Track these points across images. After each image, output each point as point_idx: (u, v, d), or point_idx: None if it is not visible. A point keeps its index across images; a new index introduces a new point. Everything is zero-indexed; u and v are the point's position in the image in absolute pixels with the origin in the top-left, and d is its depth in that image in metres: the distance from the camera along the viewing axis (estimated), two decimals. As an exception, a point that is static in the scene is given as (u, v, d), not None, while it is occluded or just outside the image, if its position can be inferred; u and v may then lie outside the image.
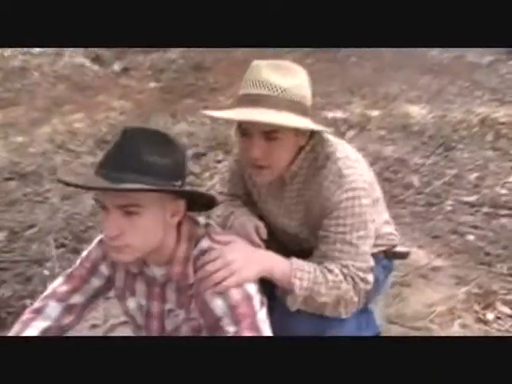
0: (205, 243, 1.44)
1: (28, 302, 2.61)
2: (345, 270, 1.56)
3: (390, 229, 1.85)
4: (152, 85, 6.32)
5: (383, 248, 1.81)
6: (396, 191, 3.43)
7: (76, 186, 1.29)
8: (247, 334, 1.32)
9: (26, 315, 1.56)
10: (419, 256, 2.79)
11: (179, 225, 1.43)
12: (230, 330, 1.33)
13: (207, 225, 1.50)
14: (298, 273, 1.52)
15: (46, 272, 2.79)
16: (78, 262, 1.65)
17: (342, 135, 4.36)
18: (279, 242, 1.83)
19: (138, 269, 1.51)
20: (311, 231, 1.67)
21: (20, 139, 4.75)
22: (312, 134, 1.60)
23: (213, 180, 3.73)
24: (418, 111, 4.67)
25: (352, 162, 1.58)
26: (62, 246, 3.08)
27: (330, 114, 4.64)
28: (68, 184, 1.28)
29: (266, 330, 1.37)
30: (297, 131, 1.52)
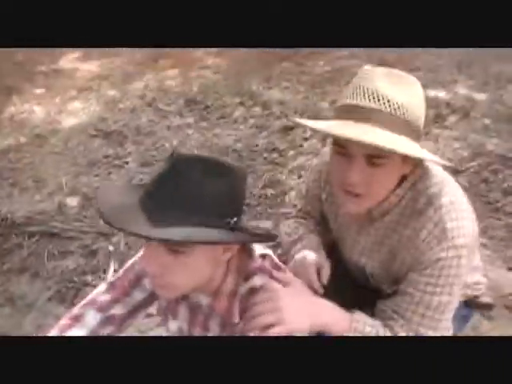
0: (257, 280, 1.27)
1: (89, 278, 2.60)
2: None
3: (477, 277, 1.57)
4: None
5: (466, 298, 1.55)
6: (493, 196, 3.06)
7: (111, 225, 1.12)
8: None
9: (64, 321, 1.48)
10: (507, 280, 2.47)
11: (232, 256, 1.25)
12: None
13: (264, 256, 1.32)
14: (357, 333, 1.33)
15: (111, 247, 2.76)
16: (122, 271, 1.56)
17: (442, 119, 3.98)
18: (347, 276, 1.64)
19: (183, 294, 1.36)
20: (390, 277, 1.45)
21: (112, 93, 4.74)
22: (417, 163, 1.34)
23: (297, 160, 3.51)
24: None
25: (458, 212, 1.31)
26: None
27: (433, 93, 4.23)
28: (103, 218, 1.15)
29: None
30: (404, 159, 1.25)
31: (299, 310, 1.27)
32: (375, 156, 1.23)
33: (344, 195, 1.34)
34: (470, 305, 1.61)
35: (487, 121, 3.93)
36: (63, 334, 1.44)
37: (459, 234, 1.29)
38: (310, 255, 1.54)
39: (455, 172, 3.24)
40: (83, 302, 1.53)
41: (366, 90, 1.23)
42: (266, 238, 1.34)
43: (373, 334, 1.33)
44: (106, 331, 1.49)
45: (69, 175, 3.46)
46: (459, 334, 1.66)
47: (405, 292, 1.35)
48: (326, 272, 1.50)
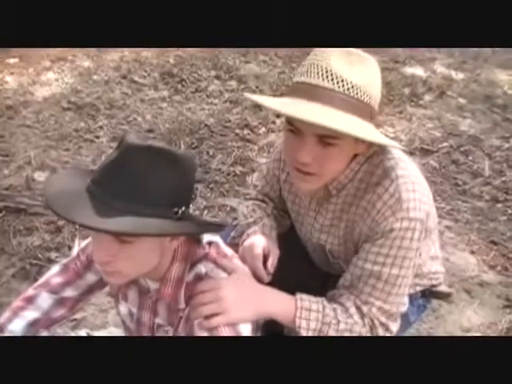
0: (203, 267, 1.30)
1: (54, 255, 2.60)
2: (365, 309, 1.34)
3: (436, 266, 1.59)
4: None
5: (423, 288, 1.57)
6: (461, 178, 3.08)
7: (56, 213, 1.11)
8: None
9: (17, 303, 1.51)
10: (469, 264, 2.50)
11: (180, 243, 1.28)
12: None
13: (211, 244, 1.34)
14: (304, 313, 1.33)
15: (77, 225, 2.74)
16: (75, 253, 1.56)
17: (418, 98, 3.97)
18: (307, 260, 1.65)
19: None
20: (348, 253, 1.45)
21: (86, 64, 4.66)
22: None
23: (268, 138, 3.50)
24: (507, 80, 4.15)
25: (413, 185, 1.32)
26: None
27: (410, 71, 4.21)
28: (48, 206, 1.14)
29: None
30: (358, 139, 1.24)
31: (242, 299, 1.28)
32: (327, 136, 1.22)
33: (296, 173, 1.34)
34: (428, 294, 1.63)
35: (462, 100, 3.93)
36: (15, 318, 1.47)
37: (415, 206, 1.30)
38: (259, 242, 1.55)
39: (426, 152, 3.26)
40: (37, 283, 1.56)
41: (320, 69, 1.22)
42: (213, 228, 1.34)
43: (320, 315, 1.34)
44: (58, 313, 1.52)
45: (38, 149, 3.42)
46: (417, 322, 1.69)
47: (356, 265, 1.36)
48: (273, 261, 1.52)
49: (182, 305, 1.30)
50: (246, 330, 1.26)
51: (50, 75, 4.47)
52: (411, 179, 1.34)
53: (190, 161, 1.23)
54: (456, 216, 2.78)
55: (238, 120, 3.68)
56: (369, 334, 1.36)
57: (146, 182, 1.12)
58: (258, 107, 3.84)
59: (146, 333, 1.42)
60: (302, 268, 1.63)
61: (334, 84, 1.20)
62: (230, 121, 3.69)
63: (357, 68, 1.23)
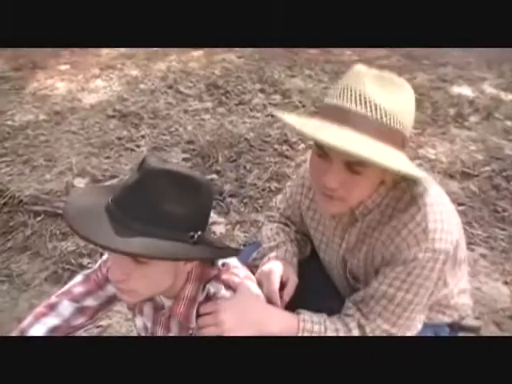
0: (212, 288, 1.33)
1: (86, 261, 2.65)
2: (367, 329, 1.33)
3: (465, 299, 1.55)
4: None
5: (450, 320, 1.54)
6: (501, 204, 2.98)
7: (76, 233, 1.15)
8: None
9: (40, 309, 1.56)
10: (501, 295, 2.41)
11: (194, 265, 1.32)
12: None
13: (224, 265, 1.37)
14: (306, 334, 1.34)
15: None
16: (97, 264, 1.60)
17: (463, 118, 3.88)
18: (329, 287, 1.63)
19: None
20: (368, 277, 1.44)
21: (134, 73, 4.76)
22: None
23: (306, 155, 3.47)
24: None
25: (441, 214, 1.29)
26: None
27: (457, 90, 4.12)
28: (69, 225, 1.17)
29: None
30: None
31: (242, 321, 1.29)
32: (355, 163, 1.19)
33: (322, 197, 1.32)
34: (455, 328, 1.59)
35: (510, 123, 3.82)
36: (36, 323, 1.52)
37: (441, 237, 1.27)
38: (277, 268, 1.53)
39: (467, 176, 3.18)
40: (60, 291, 1.60)
41: (353, 92, 1.19)
42: (227, 253, 1.37)
43: (322, 331, 1.34)
44: (78, 321, 1.57)
45: (80, 156, 3.51)
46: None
47: (371, 285, 1.35)
48: (290, 289, 1.52)
49: (193, 324, 1.33)
50: None
51: (98, 82, 4.59)
52: (440, 208, 1.31)
53: (208, 186, 1.26)
54: (492, 244, 2.70)
55: (278, 135, 3.68)
56: None
57: (164, 206, 1.15)
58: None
59: None
60: (323, 295, 1.61)
61: (366, 110, 1.17)
62: (270, 135, 3.69)
63: (391, 94, 1.19)
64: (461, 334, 1.63)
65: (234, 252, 1.39)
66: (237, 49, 5.19)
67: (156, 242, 1.15)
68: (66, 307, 1.55)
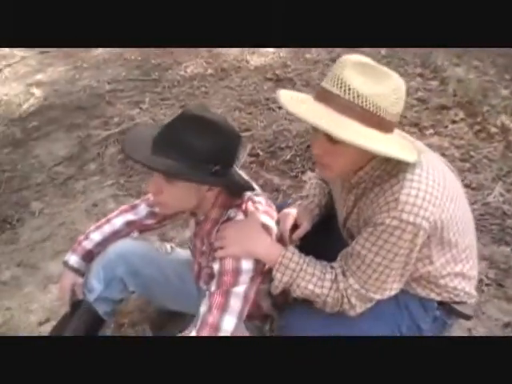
0: (232, 213, 1.65)
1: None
2: (341, 286, 1.52)
3: (460, 284, 1.62)
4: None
5: (440, 299, 1.63)
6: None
7: (124, 151, 1.58)
8: (217, 297, 1.55)
9: (125, 206, 2.04)
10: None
11: (219, 193, 1.65)
12: (212, 288, 1.57)
13: (249, 198, 1.68)
14: (281, 268, 1.56)
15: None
16: None
17: None
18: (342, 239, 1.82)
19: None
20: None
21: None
22: None
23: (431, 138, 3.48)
24: None
25: (417, 191, 1.42)
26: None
27: None
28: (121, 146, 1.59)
29: (233, 303, 1.56)
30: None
31: (236, 238, 1.57)
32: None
33: (316, 164, 1.59)
34: (449, 310, 1.67)
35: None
36: (119, 215, 2.00)
37: (411, 210, 1.40)
38: (294, 212, 1.80)
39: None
40: (144, 197, 2.04)
41: (334, 76, 1.39)
42: (243, 188, 1.67)
43: (295, 273, 1.55)
44: (149, 222, 2.02)
45: (227, 108, 3.90)
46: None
47: (351, 244, 1.54)
48: (300, 232, 1.75)
49: (212, 239, 1.66)
50: (245, 266, 1.58)
51: (269, 48, 4.93)
52: (418, 185, 1.42)
53: (232, 131, 1.57)
54: None
55: (414, 118, 3.70)
56: (332, 305, 1.52)
57: (192, 142, 1.49)
58: (443, 108, 3.82)
59: (198, 255, 1.81)
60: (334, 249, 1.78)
61: (341, 91, 1.35)
62: (405, 117, 3.73)
63: (368, 80, 1.36)
64: (451, 317, 1.69)
65: (250, 188, 1.68)
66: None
67: (177, 165, 1.49)
68: (143, 209, 1.99)
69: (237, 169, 1.71)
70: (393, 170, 1.47)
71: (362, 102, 1.35)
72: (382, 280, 1.49)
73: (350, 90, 1.35)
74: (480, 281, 2.31)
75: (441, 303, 1.64)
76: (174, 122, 1.55)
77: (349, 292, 1.51)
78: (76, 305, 1.94)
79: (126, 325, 2.21)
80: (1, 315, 2.35)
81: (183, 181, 1.54)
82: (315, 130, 1.44)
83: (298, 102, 1.44)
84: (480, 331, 2.12)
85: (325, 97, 1.39)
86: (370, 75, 1.37)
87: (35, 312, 2.36)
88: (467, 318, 1.70)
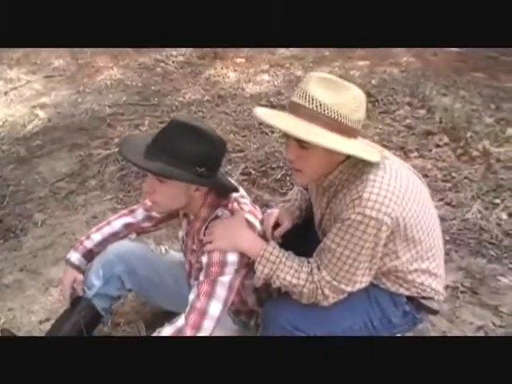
0: (219, 212, 1.83)
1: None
2: (316, 278, 1.67)
3: (427, 280, 1.78)
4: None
5: (408, 293, 1.78)
6: None
7: (120, 154, 1.78)
8: (205, 286, 1.71)
9: (124, 211, 2.22)
10: None
11: (207, 194, 1.83)
12: (201, 278, 1.74)
13: (235, 199, 1.86)
14: (263, 261, 1.72)
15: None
16: None
17: None
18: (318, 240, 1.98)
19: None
20: None
21: (299, 73, 5.25)
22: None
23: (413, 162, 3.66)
24: None
25: (380, 190, 1.59)
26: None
27: None
28: (119, 149, 1.79)
29: (219, 291, 1.72)
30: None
31: (223, 233, 1.75)
32: (301, 140, 1.58)
33: (292, 171, 1.79)
34: (417, 305, 1.81)
35: None
36: (118, 218, 2.17)
37: (373, 206, 1.57)
38: (282, 212, 1.98)
39: None
40: (140, 203, 2.21)
41: (299, 90, 1.61)
42: (227, 189, 1.86)
43: (274, 266, 1.70)
44: (145, 225, 2.18)
45: (222, 131, 4.08)
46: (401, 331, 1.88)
47: (323, 240, 1.70)
48: (281, 230, 1.93)
49: (201, 236, 1.83)
50: (231, 258, 1.74)
51: (264, 77, 5.17)
52: (380, 185, 1.60)
53: (217, 138, 1.77)
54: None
55: (400, 143, 3.89)
56: (308, 296, 1.68)
57: (180, 147, 1.70)
58: (428, 133, 4.01)
59: (188, 254, 1.98)
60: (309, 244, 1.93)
61: (305, 102, 1.56)
62: (391, 142, 3.92)
63: (330, 91, 1.57)
64: (420, 312, 1.84)
65: (235, 189, 1.85)
66: (403, 63, 5.41)
67: (168, 167, 1.68)
68: (141, 213, 2.17)
69: (223, 173, 1.90)
70: (358, 173, 1.65)
71: (325, 111, 1.55)
72: (351, 272, 1.64)
73: (313, 100, 1.55)
74: (455, 288, 2.48)
75: (409, 298, 1.79)
76: (164, 129, 1.75)
77: (322, 283, 1.66)
78: (76, 301, 2.08)
79: (122, 323, 2.34)
80: (3, 315, 2.48)
81: (173, 180, 1.72)
82: (288, 137, 1.64)
83: (272, 115, 1.66)
84: (454, 333, 2.26)
85: (294, 108, 1.60)
86: (331, 88, 1.58)
87: (36, 312, 2.50)
88: (434, 312, 1.85)
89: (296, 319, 1.71)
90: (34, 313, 2.50)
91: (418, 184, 1.74)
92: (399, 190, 1.61)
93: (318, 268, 1.68)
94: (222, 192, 1.85)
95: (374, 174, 1.62)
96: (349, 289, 1.67)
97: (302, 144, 1.59)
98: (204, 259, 1.76)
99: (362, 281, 1.67)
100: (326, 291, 1.66)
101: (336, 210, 1.68)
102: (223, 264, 1.73)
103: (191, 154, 1.68)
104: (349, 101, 1.57)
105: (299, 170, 1.68)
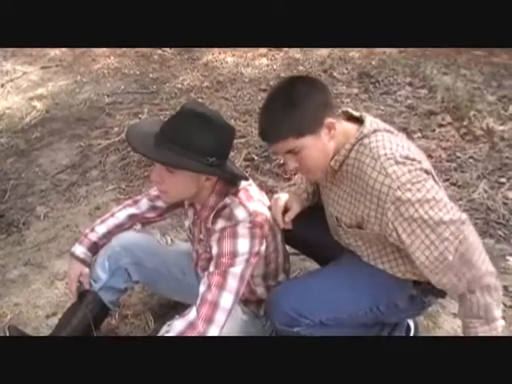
0: (228, 200, 1.79)
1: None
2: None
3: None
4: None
5: (415, 278, 1.75)
6: None
7: (129, 144, 1.73)
8: (216, 277, 1.68)
9: (128, 201, 2.19)
10: None
11: (216, 182, 1.79)
12: (211, 269, 1.71)
13: (243, 187, 1.82)
14: None
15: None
16: None
17: None
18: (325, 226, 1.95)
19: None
20: (347, 220, 1.75)
21: (298, 56, 5.19)
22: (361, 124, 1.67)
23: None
24: None
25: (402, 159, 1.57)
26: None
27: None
28: (128, 139, 1.74)
29: (231, 282, 1.68)
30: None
31: None
32: (291, 151, 1.61)
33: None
34: (424, 289, 1.78)
35: None
36: (122, 209, 2.14)
37: (403, 172, 1.54)
38: (284, 197, 1.94)
39: None
40: (145, 192, 2.19)
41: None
42: (237, 178, 1.82)
43: None
44: (150, 215, 2.15)
45: (223, 117, 4.03)
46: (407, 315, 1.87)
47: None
48: (291, 214, 1.88)
49: (209, 224, 1.80)
50: (242, 248, 1.71)
51: (263, 61, 5.11)
52: (395, 157, 1.56)
53: (227, 126, 1.74)
54: None
55: (402, 124, 3.85)
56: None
57: (190, 136, 1.65)
58: (431, 113, 3.97)
59: (195, 243, 1.95)
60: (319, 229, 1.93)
61: None
62: (394, 123, 3.88)
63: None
64: (427, 296, 1.82)
65: (244, 177, 1.82)
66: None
67: (178, 157, 1.65)
68: (145, 203, 2.14)
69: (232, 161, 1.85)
70: (365, 149, 1.62)
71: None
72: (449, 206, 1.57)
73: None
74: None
75: (416, 282, 1.76)
76: (173, 117, 1.71)
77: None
78: (83, 294, 2.06)
79: (130, 316, 2.32)
80: (10, 311, 2.45)
81: (183, 170, 1.68)
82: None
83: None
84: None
85: None
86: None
87: (42, 307, 2.48)
88: (442, 295, 1.82)
89: (300, 306, 1.70)
90: (41, 307, 2.47)
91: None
92: (408, 148, 1.62)
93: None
94: (231, 180, 1.82)
95: (382, 144, 1.60)
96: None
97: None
98: (214, 249, 1.73)
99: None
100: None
101: (356, 196, 1.66)
102: (234, 254, 1.69)
103: (202, 144, 1.65)
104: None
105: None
